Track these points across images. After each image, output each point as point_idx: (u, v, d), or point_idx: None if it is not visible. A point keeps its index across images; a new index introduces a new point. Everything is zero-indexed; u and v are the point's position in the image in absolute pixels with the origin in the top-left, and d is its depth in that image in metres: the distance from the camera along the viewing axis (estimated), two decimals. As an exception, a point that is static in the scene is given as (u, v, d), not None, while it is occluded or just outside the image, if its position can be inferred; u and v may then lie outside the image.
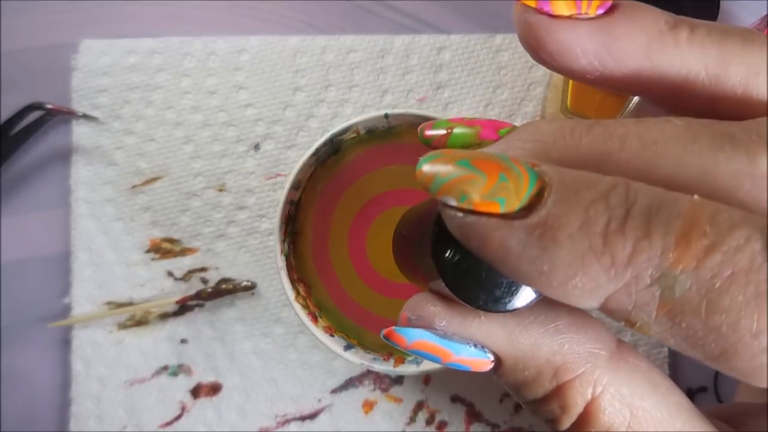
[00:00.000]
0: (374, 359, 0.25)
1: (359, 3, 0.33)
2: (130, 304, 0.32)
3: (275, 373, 0.31)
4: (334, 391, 0.31)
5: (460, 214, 0.11)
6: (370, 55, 0.32)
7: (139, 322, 0.31)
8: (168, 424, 0.31)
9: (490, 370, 0.15)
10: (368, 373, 0.31)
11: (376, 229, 0.27)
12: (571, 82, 0.25)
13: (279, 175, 0.32)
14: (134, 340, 0.31)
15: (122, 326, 0.31)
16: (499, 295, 0.13)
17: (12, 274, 0.32)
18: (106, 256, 0.32)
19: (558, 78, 0.27)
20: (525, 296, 0.13)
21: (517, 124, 0.15)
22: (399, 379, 0.31)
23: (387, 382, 0.31)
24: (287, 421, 0.31)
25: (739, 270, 0.09)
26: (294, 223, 0.27)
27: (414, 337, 0.15)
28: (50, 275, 0.32)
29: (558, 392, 0.14)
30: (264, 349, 0.31)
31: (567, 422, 0.14)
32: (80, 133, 0.32)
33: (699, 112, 0.12)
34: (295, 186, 0.26)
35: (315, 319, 0.26)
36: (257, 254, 0.32)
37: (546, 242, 0.10)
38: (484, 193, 0.11)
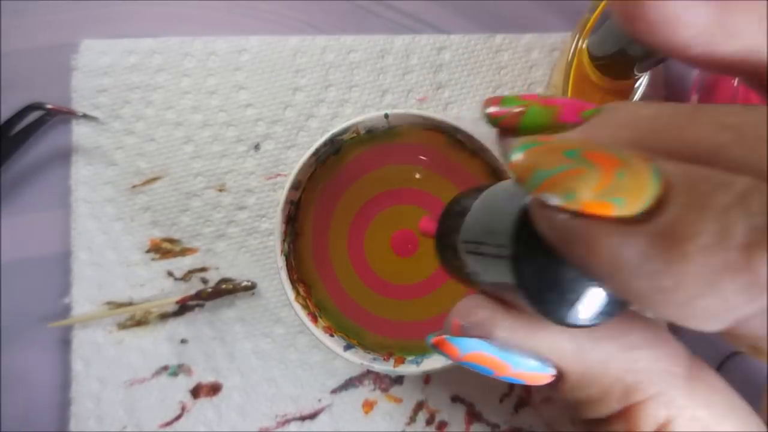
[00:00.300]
0: (374, 359, 0.25)
1: (359, 3, 0.33)
2: (130, 304, 0.32)
3: (275, 373, 0.31)
4: (334, 391, 0.31)
5: (563, 216, 0.09)
6: (370, 55, 0.32)
7: (139, 322, 0.31)
8: (168, 424, 0.31)
9: (546, 384, 0.14)
10: (368, 373, 0.31)
11: (374, 230, 0.27)
12: (571, 82, 0.25)
13: (279, 175, 0.32)
14: (134, 340, 0.31)
15: (122, 326, 0.31)
16: (581, 308, 0.11)
17: (12, 274, 0.32)
18: (106, 256, 0.32)
19: (558, 78, 0.27)
20: (609, 310, 0.11)
21: None
22: (399, 379, 0.31)
23: (387, 382, 0.31)
24: (287, 421, 0.31)
25: None
26: (294, 223, 0.27)
27: (468, 348, 0.13)
28: (50, 275, 0.32)
29: (626, 414, 0.13)
30: (264, 349, 0.31)
31: None
32: (80, 133, 0.32)
33: None
34: (295, 186, 0.26)
35: (315, 319, 0.26)
36: (257, 254, 0.32)
37: (672, 255, 0.09)
38: (597, 192, 0.09)
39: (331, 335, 0.26)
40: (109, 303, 0.32)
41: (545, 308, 0.11)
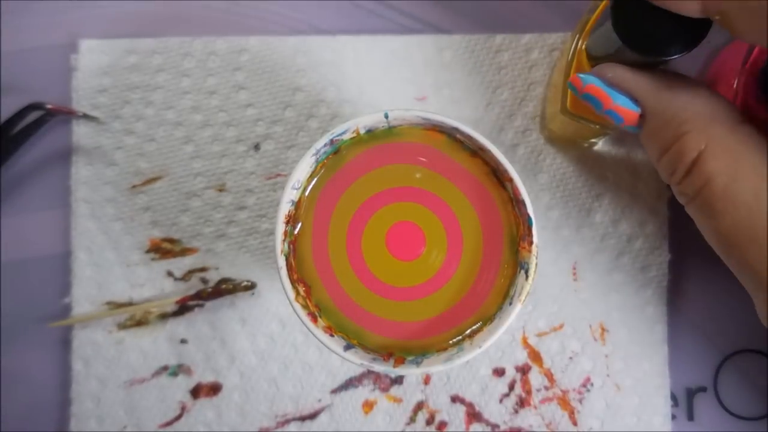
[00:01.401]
0: (374, 359, 0.25)
1: (359, 3, 0.33)
2: (130, 304, 0.32)
3: (275, 373, 0.31)
4: (334, 391, 0.31)
5: None
6: (371, 55, 0.32)
7: (139, 322, 0.31)
8: (168, 424, 0.31)
9: (637, 124, 0.19)
10: (368, 373, 0.31)
11: (371, 229, 0.27)
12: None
13: (279, 175, 0.32)
14: (134, 340, 0.31)
15: (122, 326, 0.31)
16: (661, 43, 0.18)
17: (12, 274, 0.32)
18: (106, 256, 0.32)
19: (558, 78, 0.27)
20: (681, 45, 0.18)
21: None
22: (399, 379, 0.31)
23: (387, 382, 0.31)
24: (287, 421, 0.31)
25: None
26: (294, 223, 0.27)
27: (587, 81, 0.20)
28: (50, 275, 0.32)
29: (678, 140, 0.17)
30: (264, 349, 0.31)
31: (682, 169, 0.18)
32: (80, 133, 0.32)
33: None
34: (295, 186, 0.26)
35: (315, 319, 0.26)
36: (257, 254, 0.32)
37: None
38: None
39: (331, 335, 0.26)
40: (109, 303, 0.32)
41: (633, 40, 0.18)
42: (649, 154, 0.20)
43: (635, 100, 0.19)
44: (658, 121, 0.18)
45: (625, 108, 0.19)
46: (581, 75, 0.20)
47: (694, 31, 0.19)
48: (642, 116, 0.19)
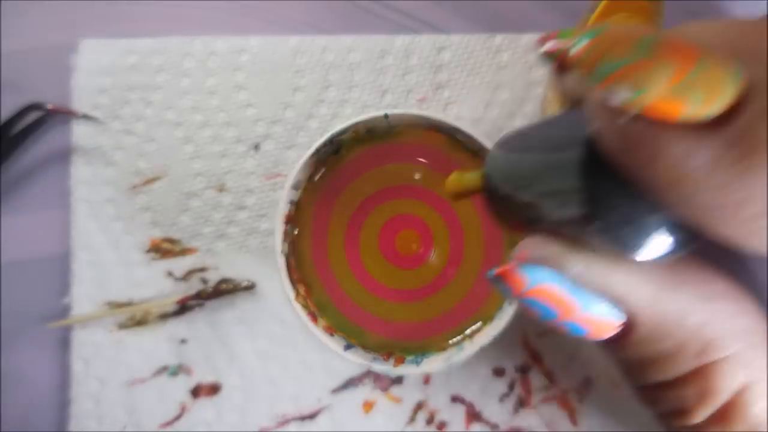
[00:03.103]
0: (374, 359, 0.25)
1: (359, 3, 0.33)
2: (130, 304, 0.32)
3: (275, 373, 0.31)
4: (334, 391, 0.31)
5: (626, 118, 0.08)
6: (370, 55, 0.32)
7: (139, 322, 0.31)
8: (168, 424, 0.31)
9: (610, 338, 0.12)
10: (368, 373, 0.31)
11: (371, 229, 0.27)
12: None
13: (279, 175, 0.32)
14: (134, 340, 0.31)
15: (122, 326, 0.31)
16: (654, 237, 0.10)
17: (12, 274, 0.32)
18: (106, 256, 0.32)
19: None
20: (683, 241, 0.10)
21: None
22: (399, 379, 0.31)
23: (387, 382, 0.31)
24: (287, 421, 0.31)
25: None
26: (294, 223, 0.27)
27: (537, 279, 0.11)
28: (50, 275, 0.32)
29: (700, 374, 0.11)
30: (264, 349, 0.31)
31: (703, 413, 0.11)
32: (80, 133, 0.32)
33: None
34: (295, 186, 0.26)
35: (315, 319, 0.26)
36: (257, 254, 0.32)
37: (745, 165, 0.07)
38: (670, 87, 0.08)
39: (331, 335, 0.26)
40: (109, 303, 0.32)
41: (619, 240, 0.10)
42: (627, 371, 0.13)
43: (619, 304, 0.12)
44: (658, 336, 0.11)
45: (600, 319, 0.11)
46: (522, 268, 0.12)
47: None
48: (626, 326, 0.12)
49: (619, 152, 0.09)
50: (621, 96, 0.08)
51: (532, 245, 0.12)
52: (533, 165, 0.12)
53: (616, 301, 0.11)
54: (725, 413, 0.11)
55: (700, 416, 0.11)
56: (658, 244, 0.10)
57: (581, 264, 0.11)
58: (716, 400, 0.11)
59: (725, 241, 0.08)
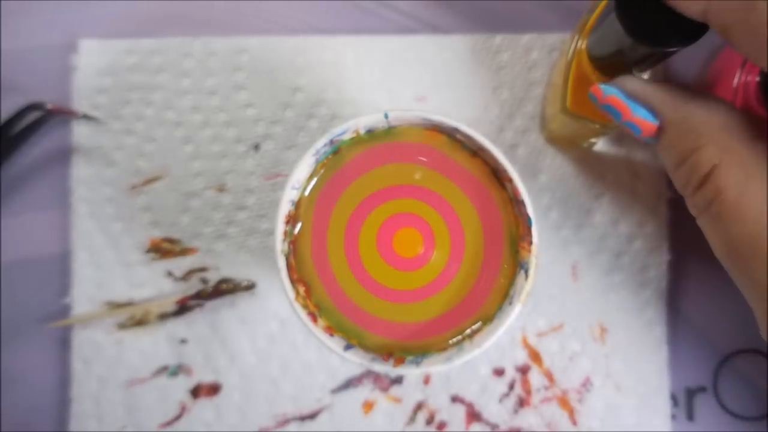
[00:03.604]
0: (374, 359, 0.25)
1: (359, 3, 0.33)
2: (130, 304, 0.32)
3: (275, 373, 0.31)
4: (334, 391, 0.31)
5: None
6: (370, 55, 0.32)
7: (139, 322, 0.31)
8: (168, 424, 0.31)
9: (655, 135, 0.20)
10: (368, 373, 0.31)
11: (371, 229, 0.27)
12: (570, 82, 0.25)
13: (279, 175, 0.32)
14: (134, 340, 0.31)
15: (122, 326, 0.31)
16: (663, 34, 0.19)
17: (12, 274, 0.32)
18: (106, 256, 0.32)
19: (558, 78, 0.27)
20: (684, 37, 0.18)
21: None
22: (399, 379, 0.31)
23: (387, 382, 0.31)
24: (287, 421, 0.31)
25: None
26: (294, 223, 0.27)
27: (608, 92, 0.20)
28: (50, 275, 0.32)
29: (694, 152, 0.18)
30: (264, 349, 0.31)
31: (695, 181, 0.18)
32: (80, 133, 0.32)
33: None
34: (295, 186, 0.26)
35: (315, 319, 0.26)
36: (257, 254, 0.32)
37: None
38: None
39: (331, 335, 0.26)
40: (109, 303, 0.32)
41: (643, 35, 0.19)
42: (665, 165, 0.20)
43: (654, 113, 0.20)
44: (676, 133, 0.19)
45: (644, 120, 0.19)
46: (602, 85, 0.21)
47: (696, 24, 0.18)
48: (660, 128, 0.20)
49: None
50: None
51: (612, 80, 0.21)
52: (604, 32, 0.21)
53: (651, 107, 0.20)
54: (704, 183, 0.18)
55: (693, 183, 0.18)
56: (674, 40, 0.19)
57: (631, 84, 0.20)
58: (701, 170, 0.18)
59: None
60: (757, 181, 0.17)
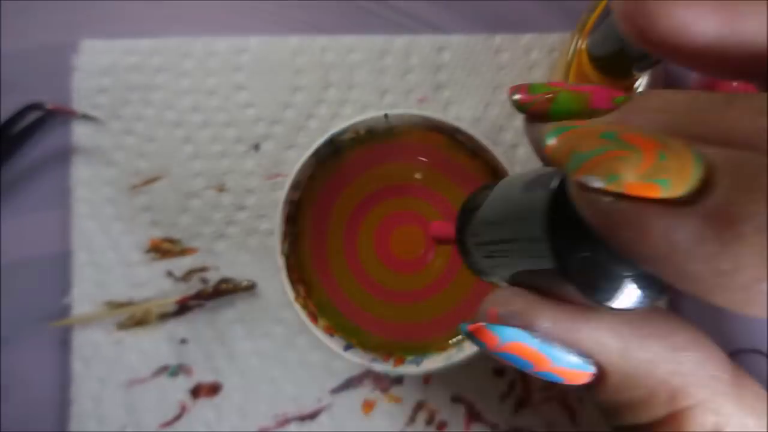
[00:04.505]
0: (374, 359, 0.25)
1: (359, 3, 0.33)
2: (130, 304, 0.32)
3: (275, 373, 0.31)
4: (334, 391, 0.31)
5: (608, 199, 0.09)
6: (370, 55, 0.32)
7: (139, 322, 0.31)
8: (168, 424, 0.31)
9: (584, 384, 0.13)
10: (368, 373, 0.31)
11: (366, 231, 0.27)
12: (570, 82, 0.25)
13: (279, 175, 0.32)
14: (134, 340, 0.31)
15: (122, 326, 0.31)
16: (630, 290, 0.11)
17: (12, 274, 0.32)
18: (106, 256, 0.32)
19: (557, 78, 0.27)
20: (656, 291, 0.11)
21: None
22: (399, 379, 0.31)
23: (387, 382, 0.31)
24: (287, 421, 0.31)
25: None
26: (294, 223, 0.27)
27: (508, 338, 0.12)
28: (50, 275, 0.32)
29: (672, 420, 0.12)
30: (264, 349, 0.31)
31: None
32: (80, 133, 0.32)
33: None
34: (295, 186, 0.26)
35: (315, 319, 0.26)
36: (257, 254, 0.32)
37: (728, 236, 0.08)
38: (640, 173, 0.09)
39: (331, 335, 0.26)
40: (109, 303, 0.32)
41: (589, 290, 0.11)
42: (605, 413, 0.14)
43: (586, 357, 0.12)
44: (630, 385, 0.12)
45: (572, 370, 0.12)
46: (492, 327, 0.12)
47: None
48: (598, 374, 0.13)
49: (604, 228, 0.09)
50: (596, 183, 0.09)
51: (499, 301, 0.12)
52: (500, 219, 0.13)
53: (586, 355, 0.12)
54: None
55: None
56: (629, 295, 0.11)
57: (548, 321, 0.12)
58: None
59: (724, 308, 0.09)
60: None
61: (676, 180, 0.09)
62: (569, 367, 0.12)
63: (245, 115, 0.32)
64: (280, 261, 0.25)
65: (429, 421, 0.31)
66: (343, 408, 0.31)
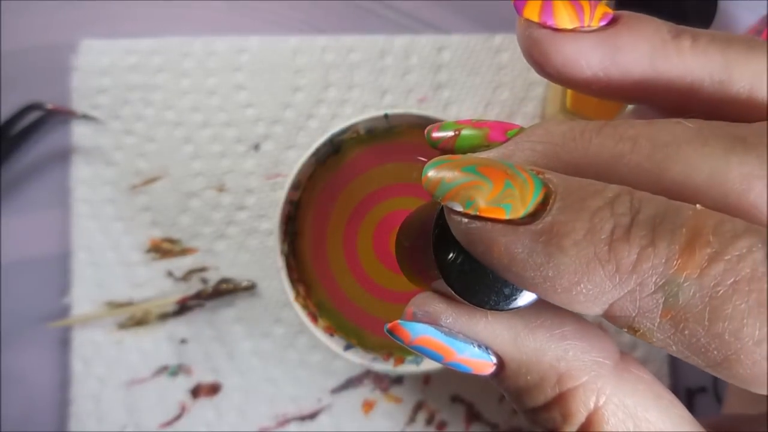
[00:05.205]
0: (374, 359, 0.25)
1: (359, 3, 0.33)
2: (130, 304, 0.32)
3: (275, 373, 0.31)
4: (334, 391, 0.31)
5: (466, 220, 0.11)
6: (370, 55, 0.32)
7: (139, 322, 0.31)
8: (168, 424, 0.31)
9: (491, 374, 0.15)
10: (368, 373, 0.31)
11: (365, 231, 0.27)
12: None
13: (279, 175, 0.32)
14: (134, 340, 0.31)
15: (122, 326, 0.31)
16: (502, 294, 0.13)
17: (12, 274, 0.32)
18: (106, 256, 0.32)
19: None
20: (528, 296, 0.13)
21: (518, 123, 0.15)
22: (399, 379, 0.31)
23: (387, 382, 0.31)
24: (287, 421, 0.31)
25: (741, 278, 0.10)
26: (294, 223, 0.27)
27: (418, 332, 0.15)
28: (50, 275, 0.32)
29: (560, 400, 0.14)
30: (264, 349, 0.31)
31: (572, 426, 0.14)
32: (80, 133, 0.32)
33: (704, 117, 0.13)
34: (295, 186, 0.26)
35: (315, 319, 0.26)
36: (257, 254, 0.32)
37: (551, 249, 0.11)
38: (489, 199, 0.11)
39: (331, 335, 0.26)
40: (109, 303, 0.32)
41: (467, 295, 0.13)
42: (510, 399, 0.15)
43: (487, 348, 0.14)
44: (524, 371, 0.14)
45: (475, 360, 0.15)
46: (405, 324, 0.15)
47: None
48: (499, 364, 0.15)
49: (464, 242, 0.12)
50: (457, 207, 0.11)
51: (415, 303, 0.15)
52: (414, 236, 0.16)
53: (484, 345, 0.14)
54: (585, 430, 0.14)
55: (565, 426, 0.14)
56: (499, 298, 0.13)
57: (450, 317, 0.14)
58: (575, 420, 0.14)
59: (557, 304, 0.11)
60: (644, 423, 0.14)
61: (517, 204, 0.11)
62: (472, 357, 0.15)
63: (245, 115, 0.32)
64: (280, 261, 0.25)
65: (429, 421, 0.31)
66: (343, 408, 0.31)
